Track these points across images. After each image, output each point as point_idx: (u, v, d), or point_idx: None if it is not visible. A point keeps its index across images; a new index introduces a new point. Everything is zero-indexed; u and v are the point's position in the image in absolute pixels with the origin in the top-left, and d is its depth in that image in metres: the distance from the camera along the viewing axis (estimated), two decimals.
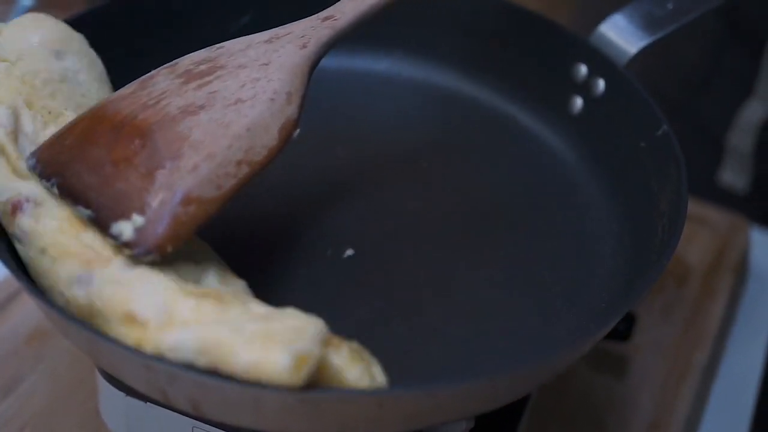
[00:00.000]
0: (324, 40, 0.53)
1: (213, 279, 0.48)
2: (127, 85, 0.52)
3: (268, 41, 0.53)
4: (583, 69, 0.64)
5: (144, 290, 0.45)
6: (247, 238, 0.57)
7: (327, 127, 0.66)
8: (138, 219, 0.46)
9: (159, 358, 0.45)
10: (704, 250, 0.76)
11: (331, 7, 0.55)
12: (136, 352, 0.45)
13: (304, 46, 0.53)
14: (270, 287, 0.53)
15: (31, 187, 0.49)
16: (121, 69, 0.59)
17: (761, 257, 0.78)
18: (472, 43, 0.69)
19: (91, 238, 0.48)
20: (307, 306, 0.45)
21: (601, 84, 0.63)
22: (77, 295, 0.47)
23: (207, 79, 0.51)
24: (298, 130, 0.51)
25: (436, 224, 0.60)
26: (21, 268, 0.48)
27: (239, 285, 0.49)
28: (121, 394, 0.52)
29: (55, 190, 0.48)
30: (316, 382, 0.43)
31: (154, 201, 0.46)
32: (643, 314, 0.68)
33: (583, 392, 0.65)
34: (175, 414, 0.51)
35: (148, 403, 0.52)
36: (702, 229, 0.77)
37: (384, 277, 0.56)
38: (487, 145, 0.66)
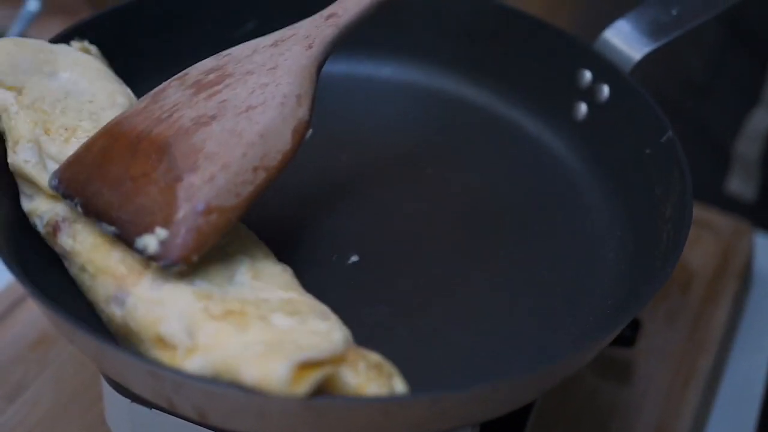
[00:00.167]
0: (329, 39, 0.53)
1: (245, 275, 0.49)
2: (140, 100, 0.53)
3: (274, 45, 0.53)
4: (587, 75, 0.64)
5: (172, 312, 0.46)
6: None
7: (330, 132, 0.65)
8: (161, 232, 0.47)
9: (163, 366, 0.45)
10: (708, 256, 0.76)
11: (333, 5, 0.55)
12: (140, 359, 0.46)
13: (310, 47, 0.53)
14: None
15: (65, 205, 0.51)
16: (127, 74, 0.59)
17: (765, 262, 0.78)
18: (475, 48, 0.69)
19: (122, 254, 0.49)
20: None
21: (605, 90, 0.63)
22: (115, 313, 0.48)
23: (216, 88, 0.51)
24: (310, 131, 0.52)
25: (440, 229, 0.60)
26: (26, 272, 0.48)
27: (276, 273, 0.50)
28: (127, 400, 0.52)
29: (79, 209, 0.50)
30: (329, 393, 0.43)
31: (175, 214, 0.47)
32: (647, 320, 0.68)
33: (588, 398, 0.65)
34: (181, 420, 0.51)
35: (153, 409, 0.52)
36: (706, 233, 0.77)
37: (388, 282, 0.56)
38: (490, 151, 0.66)
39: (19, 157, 0.52)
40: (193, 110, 0.50)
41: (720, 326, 0.71)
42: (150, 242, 0.47)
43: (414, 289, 0.56)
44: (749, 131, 0.89)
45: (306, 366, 0.42)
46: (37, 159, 0.52)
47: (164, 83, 0.53)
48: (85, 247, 0.50)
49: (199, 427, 0.50)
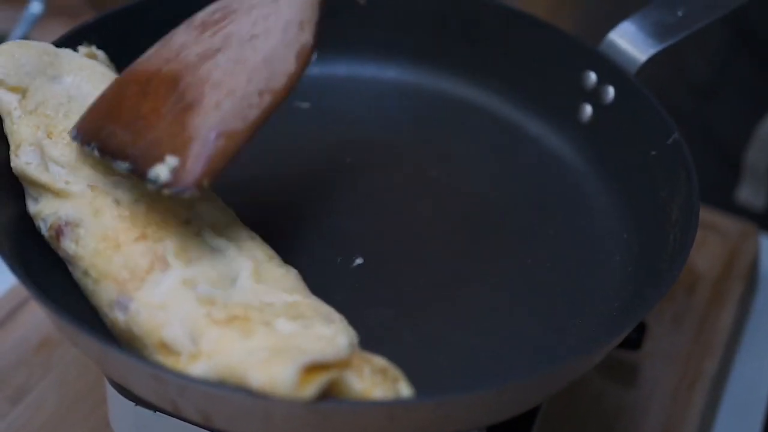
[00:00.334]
0: None
1: (248, 279, 0.49)
2: (150, 48, 0.54)
3: None
4: (592, 76, 0.64)
5: (175, 317, 0.46)
6: None
7: (335, 134, 0.65)
8: (171, 160, 0.48)
9: (167, 369, 0.45)
10: (714, 257, 0.76)
11: None
12: (144, 362, 0.45)
13: None
14: None
15: (68, 208, 0.51)
16: None
17: None
18: (479, 50, 0.68)
19: (124, 258, 0.49)
20: None
21: (610, 91, 0.63)
22: (118, 318, 0.48)
23: (221, 24, 0.52)
24: (315, 56, 0.53)
25: (445, 232, 0.60)
26: (29, 275, 0.48)
27: (279, 275, 0.50)
28: (131, 403, 0.52)
29: (96, 153, 0.51)
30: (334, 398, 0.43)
31: (184, 141, 0.48)
32: (653, 323, 0.68)
33: (594, 401, 0.65)
34: (185, 423, 0.50)
35: (157, 412, 0.52)
36: (711, 235, 0.77)
37: (393, 285, 0.56)
38: (495, 153, 0.65)
39: (21, 160, 0.52)
40: (199, 46, 0.52)
41: (726, 328, 0.71)
42: (161, 171, 0.48)
43: (419, 291, 0.55)
44: (758, 141, 0.88)
45: (312, 369, 0.42)
46: (39, 161, 0.52)
47: (173, 30, 0.54)
48: (88, 251, 0.50)
49: (203, 430, 0.50)
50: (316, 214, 0.59)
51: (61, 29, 0.60)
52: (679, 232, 0.53)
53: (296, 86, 0.51)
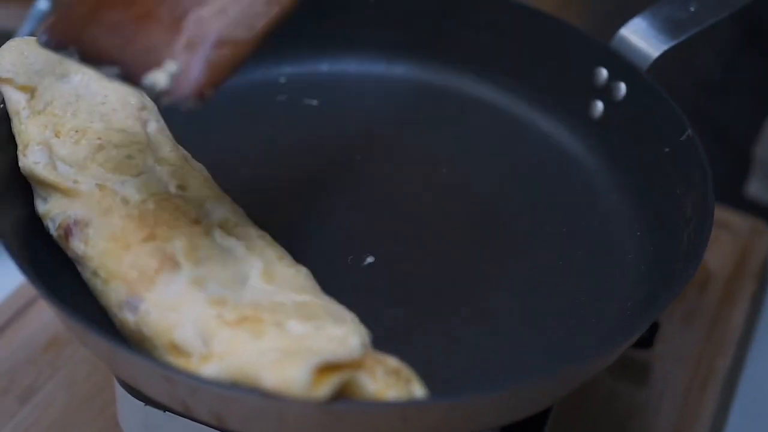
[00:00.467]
0: None
1: (258, 279, 0.49)
2: None
3: None
4: (603, 73, 0.63)
5: (186, 318, 0.46)
6: None
7: (344, 132, 0.65)
8: (172, 65, 0.45)
9: (179, 370, 0.44)
10: (725, 255, 0.75)
11: None
12: (155, 362, 0.45)
13: None
14: None
15: (77, 208, 0.50)
16: None
17: None
18: (489, 46, 0.68)
19: (134, 258, 0.48)
20: None
21: (622, 88, 0.62)
22: (128, 319, 0.47)
23: None
24: None
25: (456, 230, 0.59)
26: (38, 274, 0.48)
27: (290, 275, 0.49)
28: (140, 403, 0.52)
29: (76, 58, 0.46)
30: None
31: (186, 47, 0.45)
32: (664, 321, 0.68)
33: (605, 399, 0.64)
34: (196, 424, 0.50)
35: (167, 412, 0.51)
36: (722, 233, 0.76)
37: (405, 284, 0.55)
38: (506, 151, 0.65)
39: (29, 160, 0.52)
40: None
41: (738, 326, 0.70)
42: (159, 77, 0.44)
43: (430, 290, 0.55)
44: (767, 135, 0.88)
45: (325, 370, 0.42)
46: (47, 160, 0.52)
47: None
48: (97, 251, 0.49)
49: (214, 430, 0.49)
50: (326, 213, 0.59)
51: None
52: (694, 230, 0.53)
53: None
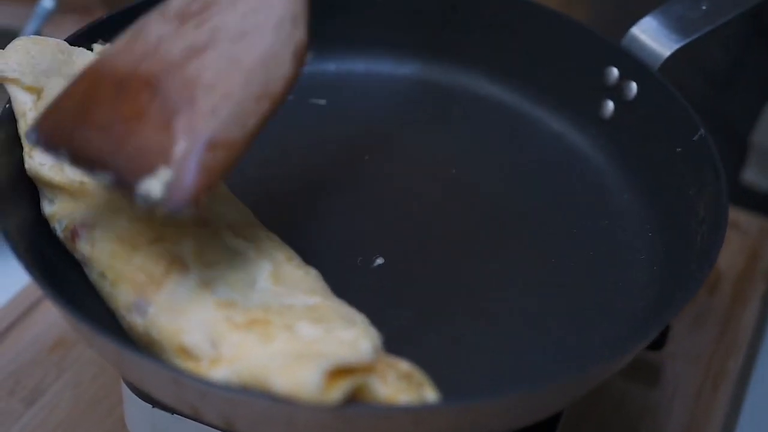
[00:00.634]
0: None
1: (267, 281, 0.48)
2: (117, 39, 0.48)
3: None
4: (614, 72, 0.63)
5: (195, 321, 0.45)
6: None
7: (353, 131, 0.65)
8: (165, 173, 0.43)
9: (188, 373, 0.44)
10: (735, 256, 0.75)
11: None
12: (163, 365, 0.45)
13: None
14: None
15: (83, 209, 0.50)
16: None
17: None
18: (498, 45, 0.67)
19: (142, 260, 0.47)
20: None
21: (633, 87, 0.62)
22: (137, 322, 0.47)
23: (203, 16, 0.47)
24: (310, 55, 0.49)
25: (466, 230, 0.59)
26: (45, 276, 0.47)
27: (299, 276, 0.49)
28: (148, 405, 0.52)
29: (67, 161, 0.46)
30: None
31: (178, 150, 0.44)
32: (675, 322, 0.67)
33: (617, 401, 0.64)
34: (204, 427, 0.50)
35: (175, 415, 0.51)
36: (732, 233, 0.76)
37: (415, 285, 0.55)
38: (517, 150, 0.65)
39: (35, 161, 0.51)
40: (182, 41, 0.46)
41: (749, 327, 0.70)
42: (153, 186, 0.43)
43: (441, 291, 0.55)
44: (766, 121, 0.87)
45: (336, 374, 0.41)
46: (53, 162, 0.51)
47: (141, 19, 0.48)
48: (104, 253, 0.49)
49: None
50: (335, 213, 0.58)
51: (72, 25, 0.60)
52: (707, 231, 0.52)
53: (293, 90, 0.48)
